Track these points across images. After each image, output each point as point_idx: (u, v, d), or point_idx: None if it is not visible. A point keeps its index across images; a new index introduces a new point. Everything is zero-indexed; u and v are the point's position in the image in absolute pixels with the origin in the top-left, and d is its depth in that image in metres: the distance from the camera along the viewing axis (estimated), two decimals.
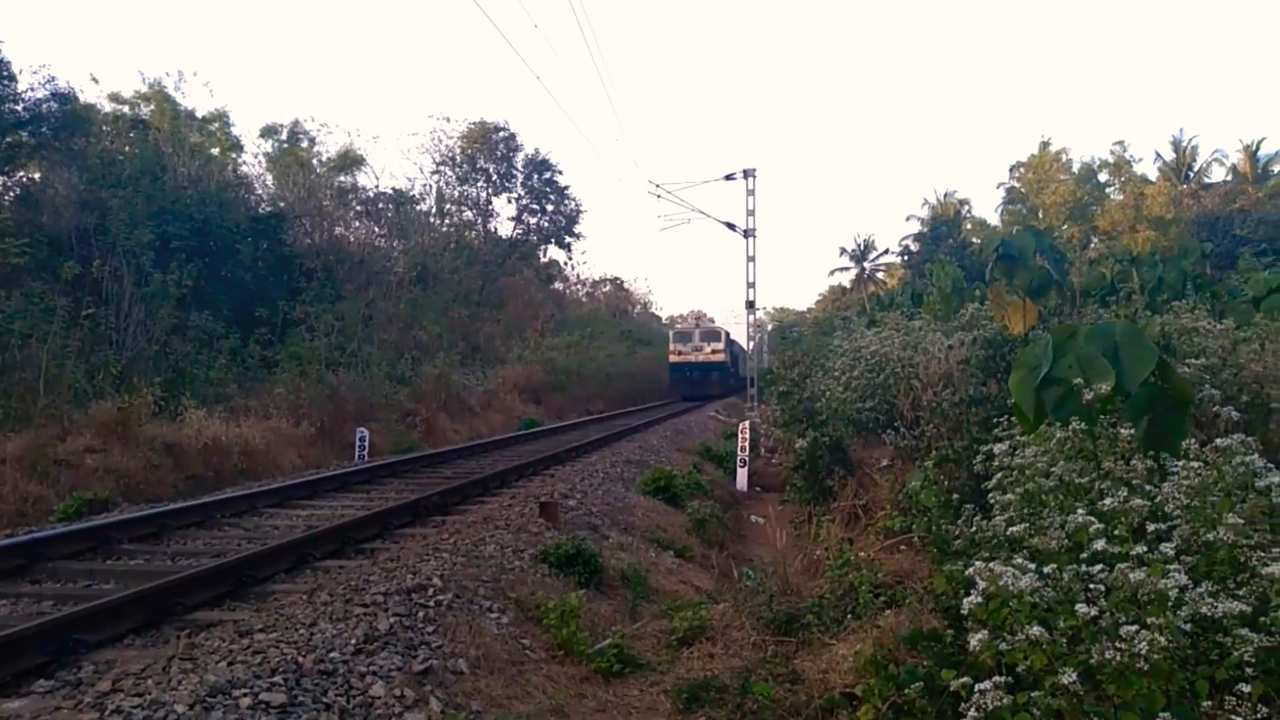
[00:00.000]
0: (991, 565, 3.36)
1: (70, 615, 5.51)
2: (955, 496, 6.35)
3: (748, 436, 17.27)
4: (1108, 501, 3.93)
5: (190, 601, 6.38)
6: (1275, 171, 51.87)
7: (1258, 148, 52.72)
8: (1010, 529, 4.18)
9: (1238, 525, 3.78)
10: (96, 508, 11.17)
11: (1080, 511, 3.86)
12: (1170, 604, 3.17)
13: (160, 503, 11.62)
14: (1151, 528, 3.80)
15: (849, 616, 6.27)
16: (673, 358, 46.73)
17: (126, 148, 27.82)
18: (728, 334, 48.45)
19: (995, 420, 7.26)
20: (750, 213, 28.87)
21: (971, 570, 3.45)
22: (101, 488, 12.20)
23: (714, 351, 46.27)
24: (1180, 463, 4.38)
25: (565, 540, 8.67)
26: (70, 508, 10.97)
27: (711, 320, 52.80)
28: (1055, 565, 3.51)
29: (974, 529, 5.11)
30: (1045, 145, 65.86)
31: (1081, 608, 3.21)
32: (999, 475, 5.26)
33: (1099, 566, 3.57)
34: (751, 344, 32.94)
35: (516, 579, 7.55)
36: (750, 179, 29.08)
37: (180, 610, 6.26)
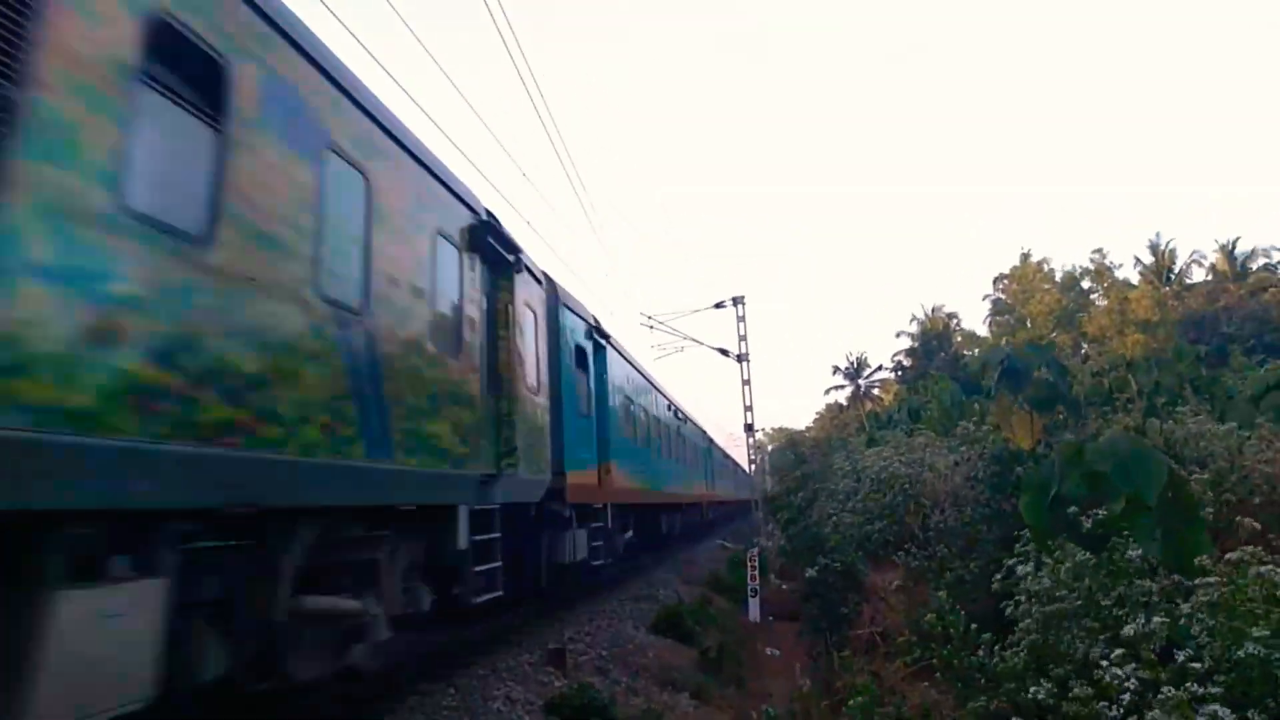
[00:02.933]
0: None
1: None
2: (975, 626, 6.19)
3: (757, 564, 16.94)
4: (1127, 629, 3.84)
5: None
6: (1253, 268, 52.85)
7: (1234, 246, 53.90)
8: (1034, 691, 4.01)
9: (1265, 638, 3.69)
10: None
11: (1098, 650, 3.76)
12: None
13: None
14: (1180, 655, 3.70)
15: None
16: None
17: None
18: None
19: (1012, 538, 7.18)
20: (742, 338, 29.21)
21: None
22: None
23: None
24: (1199, 579, 4.30)
25: (575, 689, 8.39)
26: None
27: None
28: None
29: (995, 660, 4.97)
30: (1026, 256, 67.26)
31: None
32: (1014, 603, 5.16)
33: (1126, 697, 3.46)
34: (753, 467, 32.76)
35: None
36: (740, 305, 29.55)
37: None
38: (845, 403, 76.64)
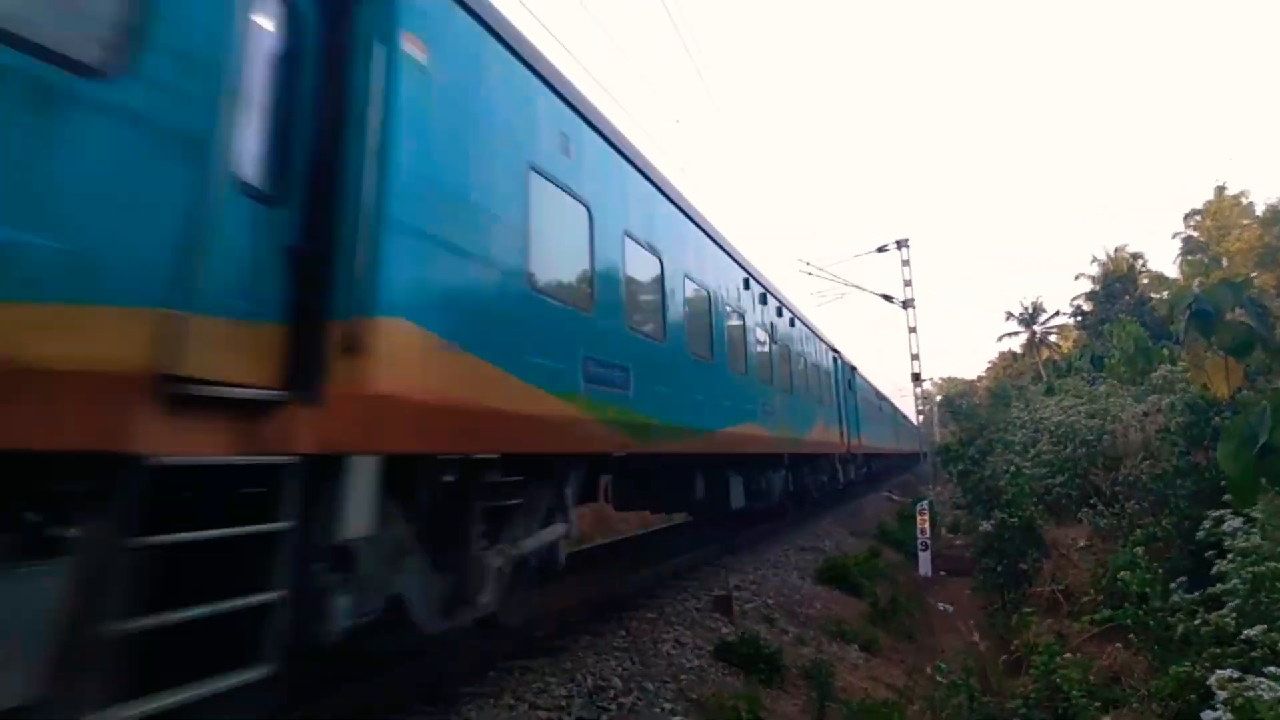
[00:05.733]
0: (1231, 672, 3.01)
1: None
2: (1174, 584, 5.78)
3: (928, 517, 16.51)
4: None
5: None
6: None
7: None
8: (1246, 630, 3.75)
9: None
10: None
11: None
12: None
13: None
14: None
15: None
16: None
17: None
18: None
19: (1207, 493, 6.68)
20: (907, 283, 28.29)
21: (1213, 680, 3.09)
22: None
23: None
24: None
25: (742, 636, 8.45)
26: None
27: None
28: None
29: (1198, 621, 4.63)
30: (1222, 189, 61.77)
31: None
32: (1226, 560, 4.78)
33: None
34: (921, 418, 31.85)
35: (695, 678, 7.38)
36: (904, 249, 28.56)
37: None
38: (1020, 350, 73.13)
